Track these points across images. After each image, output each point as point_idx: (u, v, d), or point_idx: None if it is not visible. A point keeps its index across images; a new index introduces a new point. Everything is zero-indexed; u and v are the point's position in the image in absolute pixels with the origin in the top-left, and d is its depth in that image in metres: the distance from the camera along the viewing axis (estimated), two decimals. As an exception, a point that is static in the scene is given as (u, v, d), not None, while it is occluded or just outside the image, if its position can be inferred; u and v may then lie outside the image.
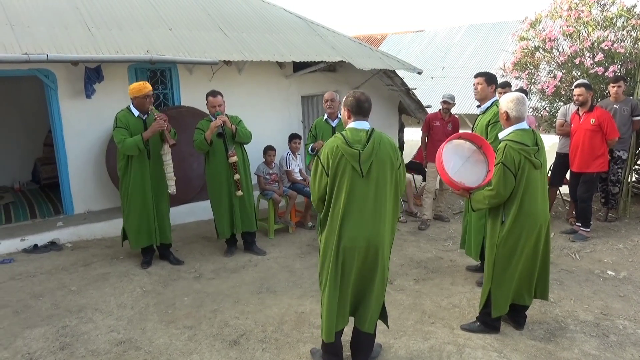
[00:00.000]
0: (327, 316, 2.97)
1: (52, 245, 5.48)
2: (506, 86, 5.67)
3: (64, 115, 5.89)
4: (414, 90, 8.63)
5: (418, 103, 8.73)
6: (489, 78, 4.47)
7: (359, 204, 2.87)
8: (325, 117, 5.42)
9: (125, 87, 6.20)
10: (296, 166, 6.37)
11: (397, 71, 8.20)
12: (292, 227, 6.19)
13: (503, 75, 7.79)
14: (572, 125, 5.79)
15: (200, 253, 5.51)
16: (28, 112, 8.12)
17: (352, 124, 2.96)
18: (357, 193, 2.86)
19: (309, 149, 5.36)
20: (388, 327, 3.25)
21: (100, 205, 6.37)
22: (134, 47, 5.54)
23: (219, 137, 5.00)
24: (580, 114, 5.65)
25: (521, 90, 6.26)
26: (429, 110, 9.13)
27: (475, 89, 4.56)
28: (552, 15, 7.15)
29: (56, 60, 4.90)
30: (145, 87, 4.70)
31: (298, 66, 7.64)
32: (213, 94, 5.03)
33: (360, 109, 2.94)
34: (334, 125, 5.37)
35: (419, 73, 7.85)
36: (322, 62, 6.92)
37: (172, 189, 5.00)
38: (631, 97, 6.07)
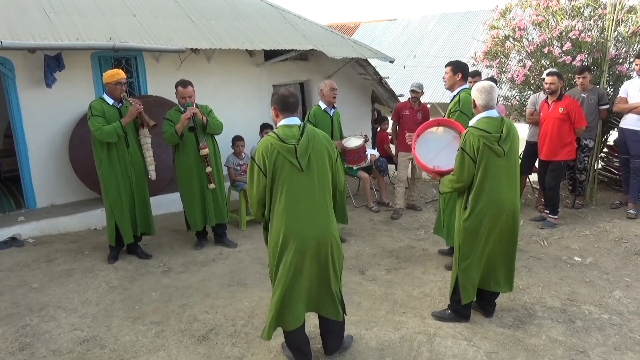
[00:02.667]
0: (273, 316, 2.92)
1: (13, 241, 5.26)
2: (476, 75, 5.68)
3: (23, 106, 5.63)
4: (386, 79, 8.60)
5: (391, 92, 8.71)
6: (455, 67, 4.49)
7: (303, 200, 2.81)
8: (324, 106, 5.30)
9: (88, 76, 6.00)
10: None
11: (370, 60, 8.14)
12: (264, 219, 6.10)
13: (474, 64, 7.83)
14: (541, 113, 5.86)
15: (169, 246, 5.38)
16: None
17: (282, 122, 2.89)
18: (300, 188, 2.81)
19: None
20: (345, 314, 3.20)
21: (64, 199, 6.15)
22: (96, 34, 5.31)
23: (190, 131, 4.86)
24: (550, 102, 5.71)
25: (491, 79, 6.30)
26: (402, 100, 9.14)
27: (444, 78, 4.58)
28: (522, 4, 7.19)
29: (12, 47, 4.65)
30: (118, 74, 4.63)
31: (269, 55, 7.50)
32: (183, 84, 4.88)
33: (286, 105, 2.88)
34: (331, 115, 5.31)
35: (391, 62, 7.81)
36: (293, 50, 6.80)
37: (152, 174, 4.92)
38: (598, 86, 6.17)
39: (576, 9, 6.60)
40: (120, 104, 4.67)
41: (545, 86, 5.68)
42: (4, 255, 5.03)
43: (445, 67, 4.55)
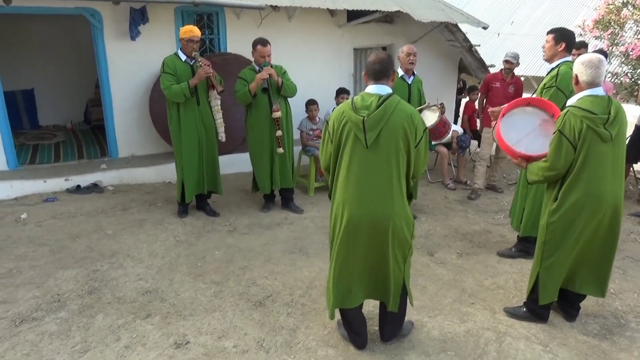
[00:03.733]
0: (332, 293, 2.79)
1: (94, 187, 5.53)
2: (582, 47, 4.99)
3: (109, 57, 5.80)
4: (477, 47, 7.92)
5: (480, 62, 8.03)
6: (558, 35, 3.88)
7: (365, 177, 2.60)
8: (401, 73, 4.92)
9: (171, 30, 6.02)
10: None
11: (460, 26, 7.51)
12: (333, 186, 5.93)
13: (581, 34, 6.96)
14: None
15: (236, 206, 5.39)
16: (82, 52, 8.16)
17: (367, 88, 2.66)
18: (363, 164, 2.59)
19: None
20: (412, 305, 2.99)
21: (143, 150, 6.36)
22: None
23: (264, 92, 4.74)
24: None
25: (600, 51, 5.53)
26: (492, 70, 8.42)
27: (543, 47, 4.00)
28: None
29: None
30: (192, 31, 4.54)
31: (352, 15, 7.14)
32: (263, 42, 4.73)
33: (371, 71, 2.62)
34: (409, 83, 4.93)
35: (484, 28, 7.14)
36: (377, 11, 6.39)
37: (221, 135, 4.90)
38: None
39: None
40: (193, 61, 4.62)
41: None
42: (85, 200, 5.31)
43: (547, 34, 3.96)
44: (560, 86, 3.74)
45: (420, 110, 4.98)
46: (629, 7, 6.19)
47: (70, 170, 5.76)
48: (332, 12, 6.48)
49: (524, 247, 4.26)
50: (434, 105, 4.89)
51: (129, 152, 6.31)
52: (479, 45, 7.96)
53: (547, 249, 3.03)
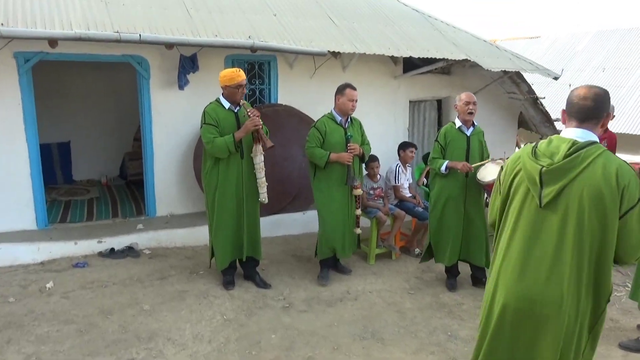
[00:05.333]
0: None
1: (129, 251, 4.92)
2: None
3: (154, 107, 5.36)
4: (542, 99, 7.30)
5: (546, 115, 7.38)
6: None
7: (527, 247, 1.97)
8: (459, 123, 4.31)
9: (220, 79, 5.59)
10: (406, 180, 5.38)
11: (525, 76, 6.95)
12: (396, 253, 5.20)
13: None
14: None
15: (289, 276, 4.68)
16: (122, 103, 7.85)
17: (563, 132, 2.03)
18: (528, 230, 1.97)
19: (442, 167, 4.23)
20: None
21: (183, 209, 5.79)
22: (235, 32, 4.87)
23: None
24: None
25: None
26: (557, 125, 7.75)
27: None
28: None
29: (149, 41, 4.32)
30: (239, 75, 3.97)
31: (408, 66, 6.68)
32: (352, 85, 4.31)
33: (578, 110, 1.98)
34: (468, 135, 4.29)
35: (556, 79, 6.56)
36: (442, 60, 5.88)
37: (263, 196, 4.24)
38: None
39: None
40: (237, 108, 4.07)
41: None
42: (119, 265, 4.68)
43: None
44: None
45: (483, 164, 4.32)
46: None
47: (104, 231, 5.18)
48: (395, 60, 5.99)
49: None
50: (500, 159, 4.24)
51: (167, 210, 5.74)
52: (544, 98, 7.35)
53: None
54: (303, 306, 4.06)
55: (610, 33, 13.04)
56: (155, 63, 5.26)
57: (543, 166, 1.92)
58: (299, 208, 5.88)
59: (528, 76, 7.13)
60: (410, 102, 7.02)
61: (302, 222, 5.84)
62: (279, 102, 5.99)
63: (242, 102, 4.03)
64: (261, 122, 4.02)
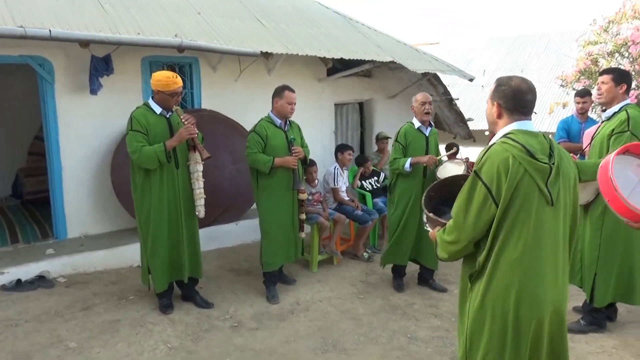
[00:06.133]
0: None
1: (41, 281, 4.25)
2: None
3: (60, 115, 4.71)
4: (456, 101, 7.68)
5: (460, 115, 7.78)
6: (619, 76, 3.49)
7: (548, 248, 1.87)
8: (418, 124, 4.30)
9: (137, 83, 5.10)
10: (343, 184, 5.29)
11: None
12: (337, 258, 5.09)
13: (562, 85, 6.93)
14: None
15: (231, 292, 4.35)
16: (12, 112, 6.85)
17: (516, 125, 1.94)
18: (547, 231, 1.87)
19: (406, 164, 4.21)
20: None
21: (99, 229, 5.16)
22: (159, 30, 4.43)
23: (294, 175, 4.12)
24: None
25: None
26: (470, 125, 8.21)
27: (599, 89, 3.58)
28: (621, 18, 6.30)
29: (62, 37, 3.75)
30: (175, 82, 3.58)
31: (331, 70, 6.65)
32: (290, 88, 4.08)
33: (521, 103, 1.94)
34: (427, 134, 4.30)
35: (471, 80, 6.92)
36: (368, 62, 5.90)
37: (200, 209, 3.88)
38: None
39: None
40: (169, 113, 3.68)
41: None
42: (30, 299, 4.01)
43: (603, 75, 3.56)
44: (635, 131, 3.30)
45: (441, 162, 4.38)
46: (617, 55, 6.19)
47: (5, 260, 4.43)
48: (326, 62, 5.88)
49: (595, 319, 3.63)
50: (459, 159, 4.32)
51: (80, 231, 5.08)
52: (458, 99, 7.74)
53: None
54: (253, 323, 3.77)
55: (501, 40, 14.28)
56: (60, 65, 4.63)
57: (550, 164, 1.86)
58: (232, 219, 5.56)
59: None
60: (335, 104, 6.99)
61: (236, 234, 5.51)
62: (203, 107, 5.61)
63: (175, 107, 3.66)
64: (197, 131, 3.69)
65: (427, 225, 2.31)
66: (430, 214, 2.23)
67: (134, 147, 3.53)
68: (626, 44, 5.85)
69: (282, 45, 4.94)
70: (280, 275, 4.47)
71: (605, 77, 3.53)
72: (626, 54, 5.96)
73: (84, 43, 4.03)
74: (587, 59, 6.42)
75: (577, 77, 6.57)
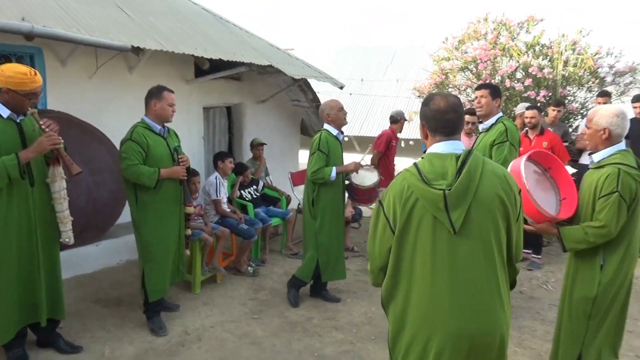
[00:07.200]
0: None
1: None
2: (606, 95, 5.66)
3: None
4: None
5: (327, 122, 7.89)
6: (494, 91, 3.85)
7: (453, 279, 1.80)
8: (335, 131, 4.09)
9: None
10: (225, 194, 4.89)
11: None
12: (221, 275, 4.69)
13: (418, 96, 7.51)
14: (521, 148, 5.58)
15: (102, 328, 3.67)
16: None
17: (433, 147, 1.90)
18: (448, 261, 1.80)
19: (332, 173, 3.94)
20: None
21: None
22: (2, 10, 3.48)
23: (181, 184, 3.68)
24: (532, 137, 5.46)
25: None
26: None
27: (479, 102, 3.88)
28: (469, 37, 7.08)
29: None
30: (34, 80, 2.86)
31: (198, 71, 6.16)
32: (168, 88, 3.62)
33: (444, 124, 1.87)
34: (340, 140, 4.17)
35: (341, 87, 7.04)
36: (243, 64, 5.56)
37: (67, 235, 3.20)
38: (564, 123, 6.19)
39: (529, 46, 6.65)
40: (20, 117, 2.94)
41: (526, 120, 5.44)
42: None
43: (480, 89, 3.85)
44: (513, 141, 3.65)
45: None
46: (467, 71, 6.89)
47: None
48: (202, 63, 5.35)
49: None
50: (367, 165, 4.32)
51: None
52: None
53: (594, 324, 2.68)
54: (138, 365, 3.21)
55: (351, 50, 15.10)
56: None
57: (442, 189, 1.78)
58: (91, 239, 4.75)
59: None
60: (204, 108, 6.51)
61: (97, 256, 4.73)
62: (49, 107, 4.67)
63: (30, 110, 2.92)
64: (61, 139, 3.00)
65: None
66: None
67: None
68: (475, 61, 6.59)
69: (155, 41, 4.34)
70: (162, 301, 3.93)
71: (484, 92, 3.83)
72: (474, 70, 6.70)
73: None
74: (441, 73, 7.06)
75: (433, 89, 7.17)
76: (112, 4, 4.77)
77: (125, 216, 5.17)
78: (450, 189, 1.77)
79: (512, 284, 2.02)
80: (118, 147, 4.95)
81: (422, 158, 1.91)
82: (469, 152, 1.84)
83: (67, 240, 3.21)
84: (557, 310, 2.93)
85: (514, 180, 1.93)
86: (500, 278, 1.85)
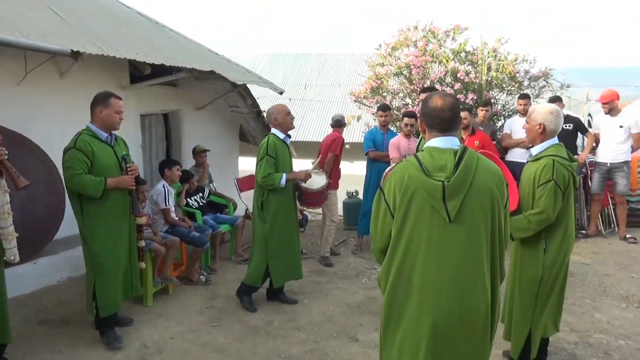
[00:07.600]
0: None
1: None
2: (557, 100, 5.93)
3: None
4: (264, 113, 7.78)
5: (267, 127, 7.89)
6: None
7: (445, 264, 1.98)
8: (282, 135, 4.10)
9: None
10: (173, 203, 4.76)
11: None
12: (173, 285, 4.56)
13: (356, 101, 7.76)
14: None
15: (51, 350, 3.45)
16: None
17: (432, 142, 2.07)
18: (442, 247, 1.97)
19: (282, 180, 3.93)
20: None
21: None
22: None
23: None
24: (464, 137, 5.85)
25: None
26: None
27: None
28: (401, 44, 7.42)
29: None
30: None
31: (133, 76, 5.95)
32: (115, 94, 3.53)
33: (440, 121, 2.05)
34: (288, 143, 4.18)
35: (281, 93, 7.08)
36: (184, 70, 5.45)
37: (11, 253, 3.01)
38: (492, 123, 6.67)
39: (455, 52, 7.12)
40: None
41: (459, 122, 5.83)
42: None
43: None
44: None
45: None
46: (401, 77, 7.22)
47: None
48: (143, 68, 5.15)
49: None
50: (315, 169, 4.40)
51: None
52: (264, 111, 7.85)
53: (541, 303, 2.96)
54: (99, 384, 3.06)
55: (283, 57, 15.20)
56: None
57: (442, 181, 1.93)
58: (27, 257, 4.40)
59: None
60: (141, 115, 6.28)
61: (36, 275, 4.42)
62: (-28, 117, 4.31)
63: None
64: (6, 151, 2.82)
65: None
66: None
67: None
68: (408, 66, 6.94)
69: (94, 45, 4.13)
70: (115, 316, 3.76)
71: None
72: (408, 75, 7.06)
73: None
74: (376, 78, 7.35)
75: (368, 93, 7.44)
76: (43, 5, 4.49)
77: (64, 231, 4.90)
78: (449, 181, 1.92)
79: (502, 278, 2.17)
80: (50, 156, 4.73)
81: (422, 151, 2.06)
82: (465, 149, 2.02)
83: (12, 257, 3.01)
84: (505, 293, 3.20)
85: (503, 175, 2.11)
86: (485, 267, 2.01)
